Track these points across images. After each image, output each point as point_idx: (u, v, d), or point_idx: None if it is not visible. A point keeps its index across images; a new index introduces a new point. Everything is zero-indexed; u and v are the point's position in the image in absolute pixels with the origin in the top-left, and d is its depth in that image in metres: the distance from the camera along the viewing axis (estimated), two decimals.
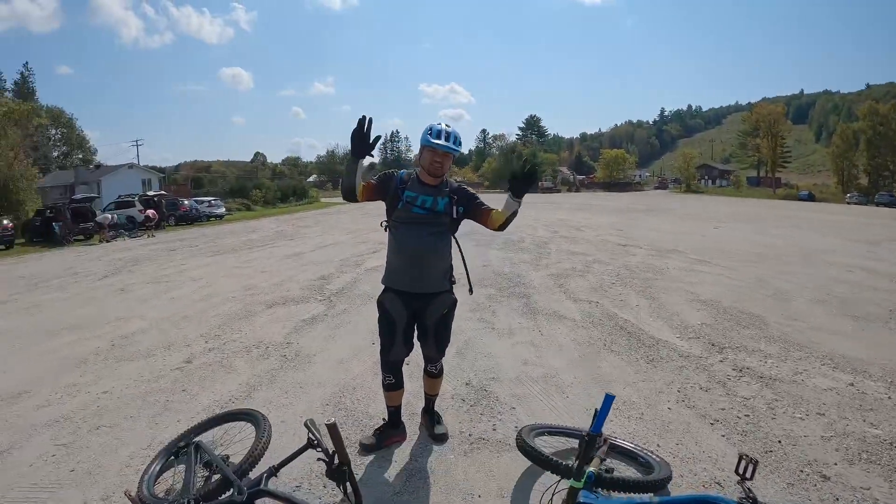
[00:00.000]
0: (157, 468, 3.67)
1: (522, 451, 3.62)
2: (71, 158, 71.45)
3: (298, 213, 43.04)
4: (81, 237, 27.01)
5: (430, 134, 3.66)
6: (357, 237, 20.04)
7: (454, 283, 3.97)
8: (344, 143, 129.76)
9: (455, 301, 3.97)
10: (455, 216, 3.82)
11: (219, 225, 34.72)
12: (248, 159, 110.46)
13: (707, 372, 5.61)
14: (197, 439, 3.79)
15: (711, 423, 4.42)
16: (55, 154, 70.40)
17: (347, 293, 9.67)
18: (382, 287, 3.99)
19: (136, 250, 20.27)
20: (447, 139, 3.66)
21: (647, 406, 4.77)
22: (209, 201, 41.04)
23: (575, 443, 3.48)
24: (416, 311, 3.88)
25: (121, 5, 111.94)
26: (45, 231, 26.33)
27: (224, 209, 41.20)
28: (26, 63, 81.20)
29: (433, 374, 4.15)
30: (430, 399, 4.31)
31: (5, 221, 25.48)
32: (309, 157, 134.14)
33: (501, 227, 3.82)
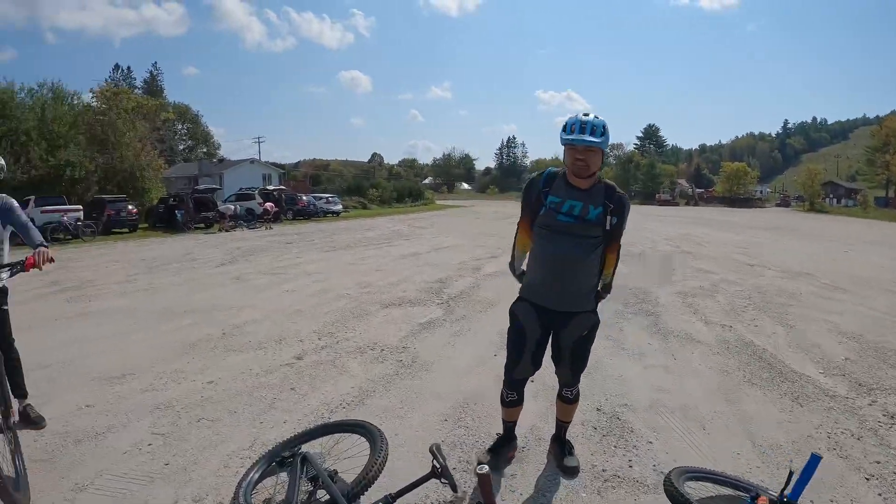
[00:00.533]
0: (257, 475, 3.36)
1: (673, 499, 3.06)
2: (196, 152, 77.16)
3: (414, 214, 43.74)
4: (202, 225, 28.97)
5: (564, 130, 3.28)
6: (474, 241, 19.81)
7: (599, 300, 3.67)
8: (460, 147, 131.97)
9: (597, 322, 3.63)
10: (609, 227, 3.41)
11: (335, 221, 35.91)
12: (366, 159, 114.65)
13: (857, 416, 4.83)
14: (304, 450, 3.44)
15: (867, 479, 3.83)
16: (181, 147, 76.25)
17: (466, 298, 9.33)
18: (518, 295, 3.70)
19: (253, 241, 21.20)
20: (584, 131, 3.22)
21: (796, 452, 4.13)
22: (327, 198, 42.63)
23: (737, 496, 3.10)
24: (551, 329, 3.61)
25: (244, 11, 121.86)
26: (167, 218, 28.62)
27: (341, 206, 42.66)
28: (155, 63, 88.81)
29: (568, 399, 3.83)
30: (561, 426, 3.99)
31: (130, 207, 27.64)
32: (425, 159, 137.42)
33: (608, 268, 3.61)
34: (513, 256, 3.80)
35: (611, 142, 3.63)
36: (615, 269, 3.60)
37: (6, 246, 4.23)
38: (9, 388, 3.63)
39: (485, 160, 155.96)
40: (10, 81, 32.66)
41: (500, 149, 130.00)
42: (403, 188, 66.45)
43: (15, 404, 3.69)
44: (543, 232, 3.48)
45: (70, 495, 3.44)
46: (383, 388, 5.24)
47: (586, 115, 3.26)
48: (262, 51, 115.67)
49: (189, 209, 28.39)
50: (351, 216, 41.11)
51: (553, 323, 3.56)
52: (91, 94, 36.36)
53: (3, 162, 4.07)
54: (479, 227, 26.60)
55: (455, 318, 7.98)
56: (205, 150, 77.87)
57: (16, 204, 4.13)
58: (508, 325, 3.69)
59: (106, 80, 51.15)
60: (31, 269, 3.81)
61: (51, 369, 5.77)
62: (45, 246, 3.91)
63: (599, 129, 3.21)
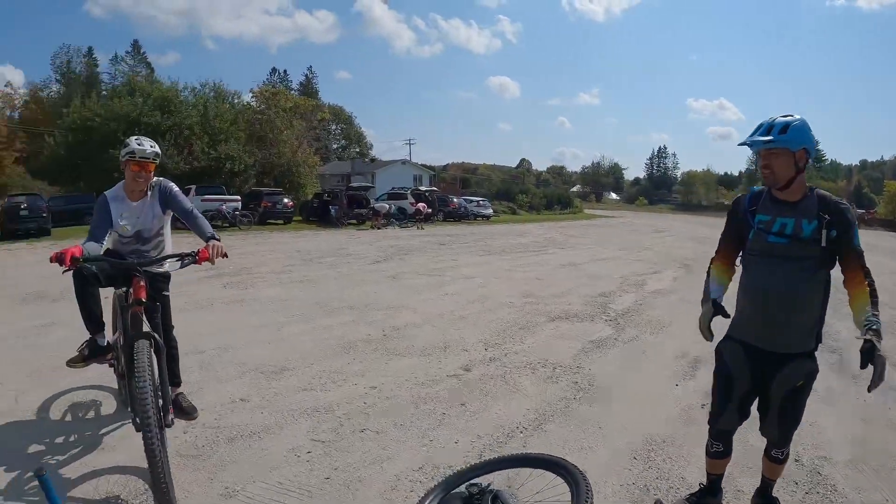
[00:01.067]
0: None
1: None
2: (349, 151, 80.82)
3: (563, 222, 42.90)
4: (354, 221, 30.15)
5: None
6: (631, 253, 18.78)
7: (820, 342, 3.11)
8: (609, 155, 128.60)
9: (815, 371, 3.09)
10: (825, 243, 2.89)
11: (485, 225, 36.00)
12: (513, 164, 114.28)
13: None
14: (492, 485, 2.89)
15: None
16: (335, 146, 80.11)
17: (635, 317, 8.60)
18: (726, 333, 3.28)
19: (406, 240, 21.51)
20: (758, 130, 2.91)
21: None
22: (478, 201, 43.03)
23: None
24: (762, 372, 3.11)
25: (393, 19, 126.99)
26: (321, 212, 30.18)
27: (491, 210, 42.79)
28: (310, 67, 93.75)
29: (777, 459, 3.34)
30: (767, 483, 3.48)
31: (286, 200, 29.22)
32: (572, 166, 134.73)
33: (855, 303, 2.88)
34: (706, 292, 3.26)
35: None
36: (874, 300, 2.83)
37: (167, 231, 4.18)
38: (169, 385, 3.51)
39: (633, 170, 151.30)
40: (174, 81, 36.42)
41: (650, 159, 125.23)
42: (552, 195, 65.93)
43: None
44: (753, 258, 3.09)
45: (218, 501, 3.22)
46: (561, 413, 4.70)
47: (776, 117, 2.92)
48: (410, 56, 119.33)
49: (343, 205, 29.80)
50: (501, 221, 41.13)
51: (764, 366, 3.11)
52: (251, 94, 39.83)
53: (158, 149, 3.99)
54: (632, 239, 25.50)
55: (627, 339, 7.31)
56: (357, 149, 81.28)
57: (177, 189, 4.08)
58: (715, 366, 3.29)
59: (264, 81, 55.29)
60: (202, 263, 3.69)
61: (205, 356, 5.76)
62: (216, 239, 3.78)
63: (778, 127, 2.86)
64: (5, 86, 67.38)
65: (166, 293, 4.09)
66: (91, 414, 4.44)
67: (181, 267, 3.81)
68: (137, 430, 3.10)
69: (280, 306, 8.23)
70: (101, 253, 3.77)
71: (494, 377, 5.50)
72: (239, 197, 27.34)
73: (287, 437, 4.01)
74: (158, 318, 3.85)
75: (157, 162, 3.94)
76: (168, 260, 3.89)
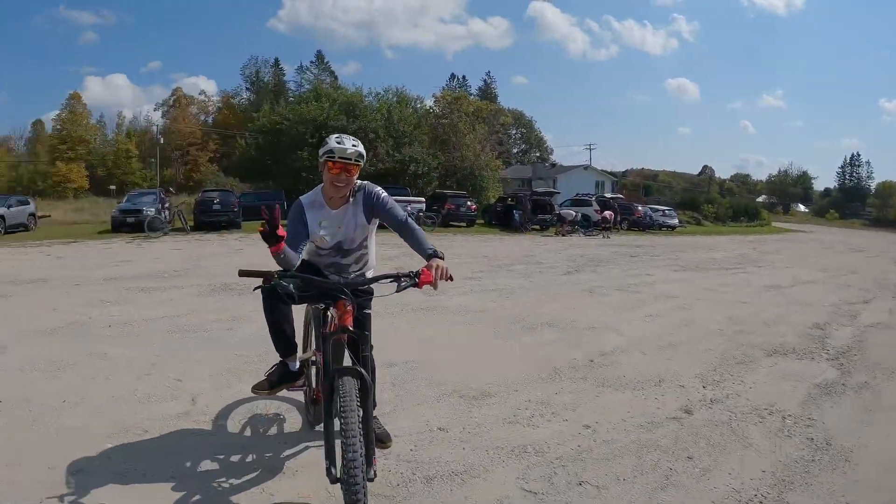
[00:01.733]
0: None
1: None
2: (529, 155, 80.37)
3: (752, 236, 39.41)
4: (538, 227, 29.60)
5: None
6: (834, 276, 16.45)
7: None
8: (796, 163, 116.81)
9: None
10: None
11: (671, 236, 34.12)
12: (694, 171, 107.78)
13: None
14: None
15: None
16: (515, 150, 79.89)
17: (858, 356, 7.21)
18: None
19: (594, 249, 20.68)
20: None
21: None
22: (663, 210, 41.01)
23: None
24: None
25: (566, 23, 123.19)
26: (504, 216, 30.07)
27: (677, 220, 40.47)
28: (488, 72, 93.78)
29: None
30: None
31: (469, 203, 29.35)
32: (757, 174, 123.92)
33: None
34: None
35: None
36: None
37: (372, 242, 3.71)
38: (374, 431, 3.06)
39: (822, 180, 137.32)
40: (358, 87, 38.17)
41: (841, 167, 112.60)
42: (738, 206, 61.09)
43: None
44: None
45: None
46: (802, 480, 3.79)
47: None
48: (586, 60, 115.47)
49: (527, 210, 29.40)
50: (686, 232, 38.79)
51: None
52: (432, 99, 40.86)
53: (362, 149, 3.35)
54: (833, 259, 22.70)
55: (857, 385, 6.03)
56: (538, 154, 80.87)
57: (386, 195, 3.54)
58: None
59: (443, 87, 56.18)
60: (423, 287, 3.14)
61: (396, 370, 5.41)
62: (439, 257, 3.21)
63: None
64: (200, 94, 76.39)
65: (368, 311, 3.57)
66: (273, 430, 4.19)
67: (397, 291, 3.21)
68: (333, 483, 2.71)
69: (473, 318, 7.82)
70: (297, 264, 3.34)
71: (720, 424, 4.64)
72: (423, 199, 27.79)
73: (493, 483, 3.47)
74: (369, 350, 3.33)
75: (362, 164, 3.34)
76: (381, 281, 3.30)
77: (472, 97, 58.09)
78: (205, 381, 5.01)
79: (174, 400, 4.58)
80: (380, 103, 37.52)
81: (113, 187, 43.26)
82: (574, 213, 30.11)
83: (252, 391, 3.76)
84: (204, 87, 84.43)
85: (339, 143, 3.27)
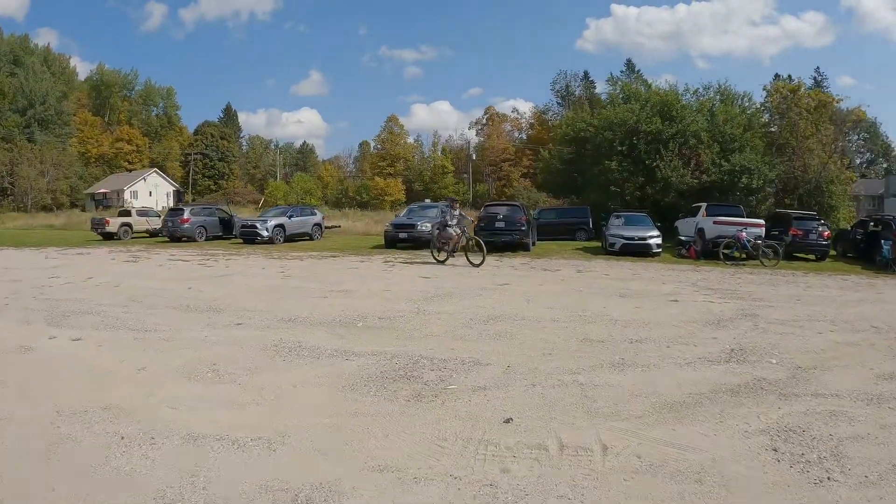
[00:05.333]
0: None
1: None
2: (875, 166, 67.30)
3: None
4: None
5: None
6: None
7: None
8: None
9: None
10: None
11: None
12: None
13: None
14: None
15: None
16: (857, 161, 66.96)
17: None
18: None
19: None
20: None
21: None
22: None
23: None
24: None
25: (888, 8, 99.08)
26: (865, 248, 21.25)
27: None
28: (817, 67, 77.74)
29: None
30: None
31: (822, 228, 21.55)
32: None
33: None
34: None
35: None
36: None
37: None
38: None
39: None
40: (672, 85, 32.08)
41: None
42: None
43: None
44: None
45: None
46: None
47: None
48: None
49: None
50: None
51: None
52: (764, 93, 33.23)
53: None
54: None
55: None
56: (884, 164, 67.23)
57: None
58: None
59: (768, 85, 46.66)
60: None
61: None
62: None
63: None
64: (512, 111, 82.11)
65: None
66: None
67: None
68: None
69: None
70: None
71: None
72: (763, 221, 21.07)
73: None
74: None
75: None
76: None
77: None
78: None
79: None
80: (700, 103, 31.10)
81: (427, 200, 43.08)
82: None
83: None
84: (520, 108, 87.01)
85: None
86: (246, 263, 17.17)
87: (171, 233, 26.75)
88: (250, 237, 24.91)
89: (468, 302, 10.13)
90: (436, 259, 16.72)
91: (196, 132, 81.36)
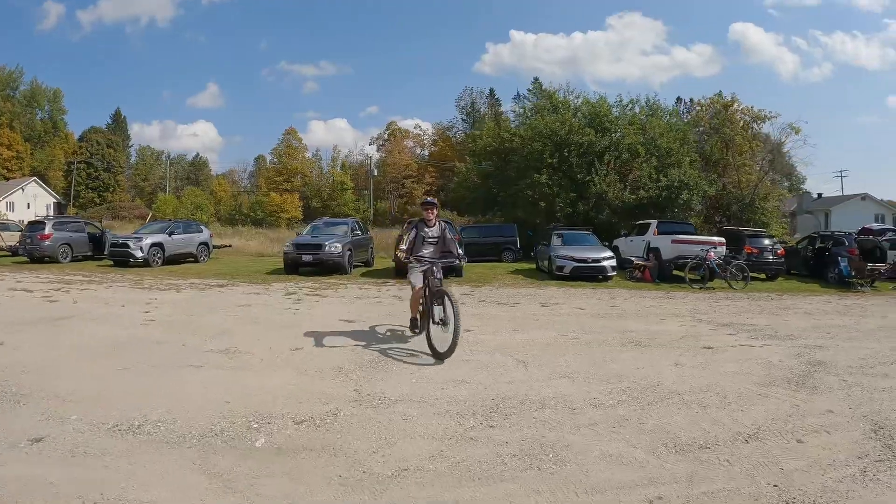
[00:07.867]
0: None
1: None
2: (777, 186, 68.68)
3: None
4: (866, 282, 18.59)
5: None
6: None
7: None
8: None
9: None
10: None
11: None
12: None
13: None
14: None
15: None
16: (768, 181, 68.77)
17: None
18: None
19: None
20: None
21: None
22: None
23: None
24: None
25: (772, 42, 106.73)
26: (816, 265, 20.28)
27: None
28: (720, 91, 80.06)
29: None
30: None
31: (775, 244, 20.17)
32: None
33: None
34: None
35: None
36: None
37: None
38: None
39: None
40: (601, 95, 30.79)
41: None
42: None
43: None
44: None
45: None
46: None
47: None
48: (798, 82, 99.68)
49: (855, 256, 18.79)
50: None
51: None
52: (696, 107, 32.40)
53: None
54: None
55: None
56: (787, 183, 68.88)
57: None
58: None
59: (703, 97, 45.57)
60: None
61: None
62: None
63: None
64: (415, 127, 79.98)
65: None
66: None
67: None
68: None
69: None
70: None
71: None
72: (723, 239, 18.76)
73: None
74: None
75: None
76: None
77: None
78: None
79: None
80: (632, 116, 29.02)
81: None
82: None
83: None
84: (425, 128, 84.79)
85: None
86: (102, 297, 12.72)
87: (29, 252, 21.79)
88: (122, 258, 20.53)
89: (434, 372, 6.65)
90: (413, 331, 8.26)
91: (81, 138, 73.57)
